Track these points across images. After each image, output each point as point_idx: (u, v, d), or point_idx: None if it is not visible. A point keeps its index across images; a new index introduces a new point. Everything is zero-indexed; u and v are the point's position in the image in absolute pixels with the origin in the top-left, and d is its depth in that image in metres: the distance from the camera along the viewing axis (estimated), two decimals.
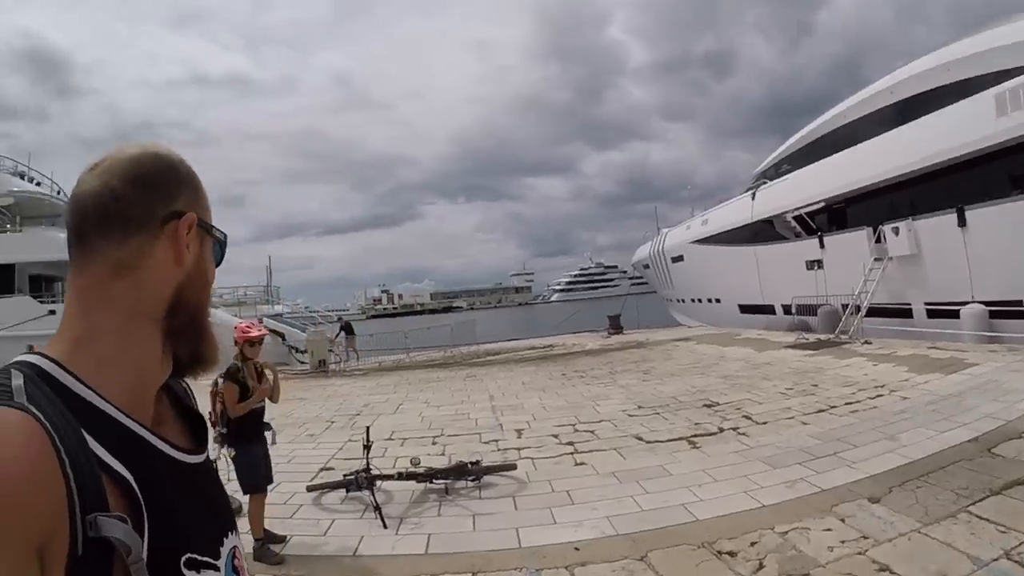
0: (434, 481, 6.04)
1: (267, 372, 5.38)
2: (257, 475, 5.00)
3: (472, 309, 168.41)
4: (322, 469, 7.13)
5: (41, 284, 26.76)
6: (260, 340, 5.31)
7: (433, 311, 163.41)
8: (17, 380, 0.64)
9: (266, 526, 5.05)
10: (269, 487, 5.20)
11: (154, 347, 0.77)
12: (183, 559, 0.69)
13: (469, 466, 6.14)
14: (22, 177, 28.77)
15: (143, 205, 0.76)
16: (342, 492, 5.99)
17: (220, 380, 5.07)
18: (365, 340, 23.68)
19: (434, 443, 8.09)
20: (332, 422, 10.21)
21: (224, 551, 0.79)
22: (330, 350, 20.30)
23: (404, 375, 16.58)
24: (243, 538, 0.91)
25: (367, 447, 5.91)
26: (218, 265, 0.89)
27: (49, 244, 25.05)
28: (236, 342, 5.25)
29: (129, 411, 0.71)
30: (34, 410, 0.60)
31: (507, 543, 4.69)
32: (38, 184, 29.49)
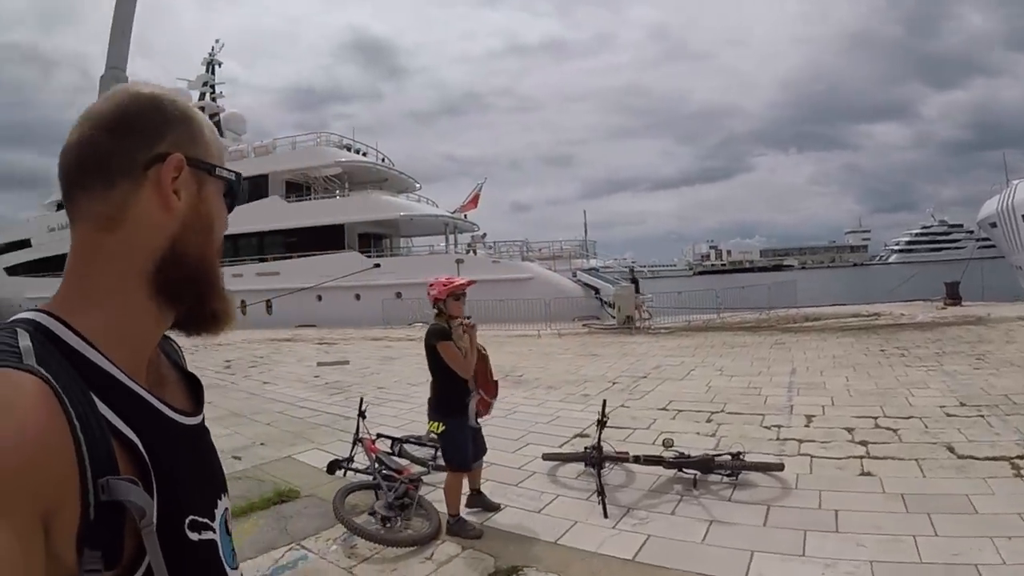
0: (684, 470, 5.09)
1: (466, 334, 4.49)
2: (465, 453, 4.41)
3: (803, 268, 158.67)
4: (577, 435, 6.64)
5: (370, 241, 30.82)
6: (464, 292, 4.49)
7: (763, 269, 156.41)
8: (24, 340, 0.62)
9: (486, 491, 4.80)
10: (484, 458, 4.79)
11: (151, 306, 0.73)
12: (187, 521, 0.69)
13: (729, 458, 5.07)
14: (348, 149, 32.97)
15: (122, 151, 0.71)
16: (580, 466, 5.42)
17: (433, 342, 4.31)
18: (672, 298, 22.73)
19: (709, 420, 7.12)
20: (614, 383, 9.63)
21: (218, 513, 0.78)
22: (637, 306, 19.94)
23: (709, 337, 15.56)
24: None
25: (601, 423, 5.14)
26: (231, 210, 0.83)
27: (373, 205, 29.26)
28: (436, 298, 4.42)
29: (131, 373, 0.69)
30: (45, 373, 0.58)
31: (731, 571, 3.63)
32: (364, 154, 33.64)
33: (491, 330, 19.91)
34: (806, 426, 6.61)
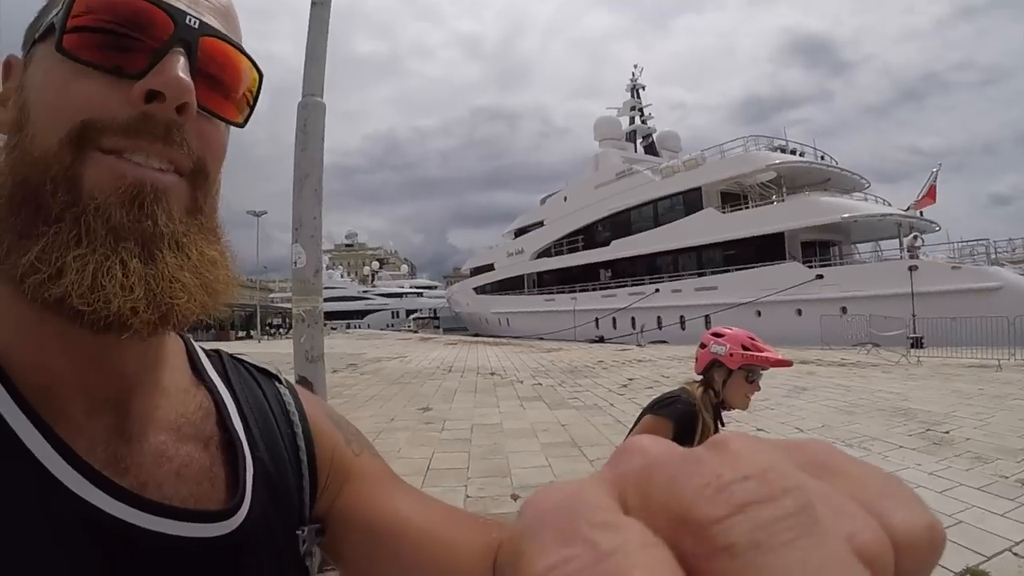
0: None
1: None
2: None
3: None
4: (967, 572, 4.21)
5: (815, 249, 27.97)
6: (763, 371, 2.32)
7: None
8: None
9: None
10: None
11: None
12: None
13: None
14: (783, 151, 30.74)
15: None
16: None
17: (649, 415, 2.28)
18: None
19: None
20: None
21: None
22: None
23: None
24: None
25: None
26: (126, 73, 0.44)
27: (812, 208, 26.61)
28: (719, 359, 2.27)
29: (38, 405, 0.42)
30: None
31: None
32: (801, 154, 30.94)
33: (941, 355, 16.21)
34: None
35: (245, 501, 0.49)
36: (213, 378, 0.57)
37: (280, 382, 0.63)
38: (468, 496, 5.23)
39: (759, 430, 7.96)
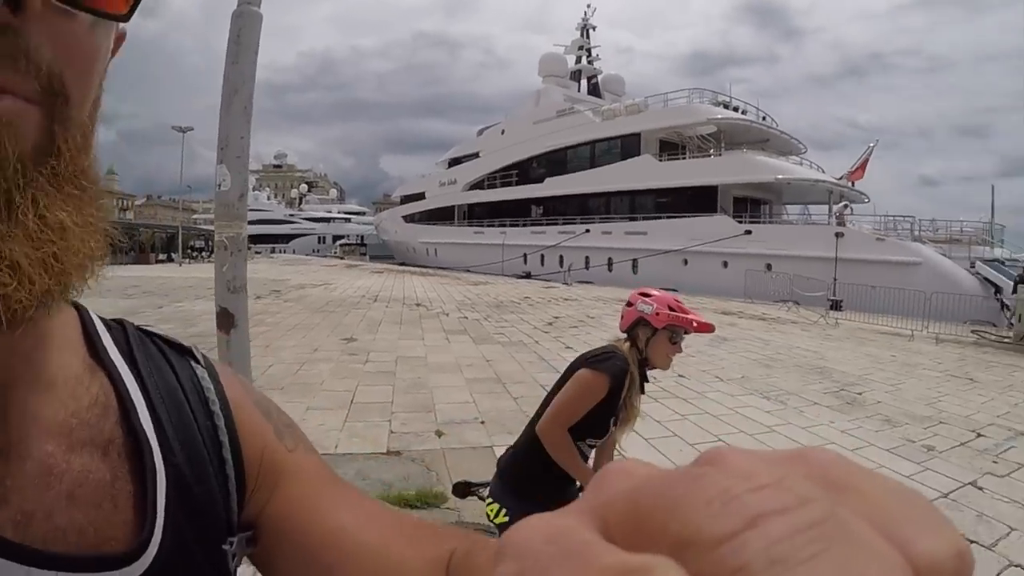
0: None
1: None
2: None
3: None
4: None
5: (746, 206, 28.59)
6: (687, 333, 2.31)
7: None
8: None
9: None
10: None
11: None
12: None
13: None
14: (725, 107, 30.95)
15: None
16: None
17: (583, 368, 2.18)
18: None
19: None
20: (978, 434, 6.35)
21: None
22: None
23: None
24: None
25: None
26: None
27: (748, 166, 27.15)
28: (645, 318, 2.25)
29: None
30: None
31: None
32: (744, 112, 31.28)
33: (857, 320, 16.92)
34: None
35: (157, 528, 0.39)
36: (115, 361, 0.44)
37: (196, 360, 0.51)
38: (392, 431, 5.13)
39: (680, 376, 8.09)
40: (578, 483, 2.28)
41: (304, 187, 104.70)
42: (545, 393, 2.32)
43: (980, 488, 5.18)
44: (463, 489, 2.93)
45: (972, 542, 4.02)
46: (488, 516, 2.37)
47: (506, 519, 2.28)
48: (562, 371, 2.27)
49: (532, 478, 2.25)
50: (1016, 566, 3.85)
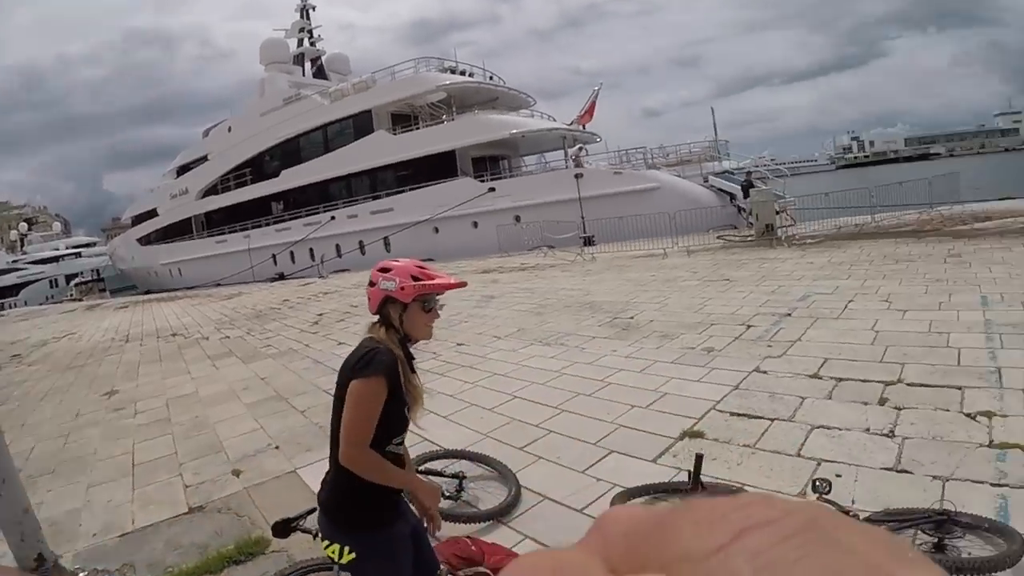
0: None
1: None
2: None
3: (951, 156, 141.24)
4: (685, 434, 4.33)
5: (486, 164, 29.41)
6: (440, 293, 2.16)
7: (908, 158, 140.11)
8: None
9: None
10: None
11: None
12: None
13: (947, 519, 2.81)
14: (452, 72, 31.43)
15: None
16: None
17: (354, 378, 1.96)
18: (820, 198, 19.30)
19: (883, 402, 4.45)
20: (748, 326, 7.16)
21: None
22: (777, 212, 16.94)
23: (865, 247, 12.77)
24: None
25: (696, 481, 3.39)
26: None
27: (482, 126, 27.94)
28: (392, 296, 2.05)
29: None
30: None
31: None
32: (470, 75, 31.93)
33: (612, 251, 17.75)
34: None
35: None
36: None
37: None
38: (187, 485, 4.64)
39: (459, 344, 8.21)
40: (403, 490, 2.16)
41: (24, 226, 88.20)
42: (331, 399, 2.06)
43: (764, 372, 5.63)
44: (283, 528, 2.79)
45: (774, 419, 4.47)
46: (332, 559, 2.07)
47: (352, 556, 2.01)
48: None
49: (359, 506, 2.05)
50: (819, 427, 4.19)
